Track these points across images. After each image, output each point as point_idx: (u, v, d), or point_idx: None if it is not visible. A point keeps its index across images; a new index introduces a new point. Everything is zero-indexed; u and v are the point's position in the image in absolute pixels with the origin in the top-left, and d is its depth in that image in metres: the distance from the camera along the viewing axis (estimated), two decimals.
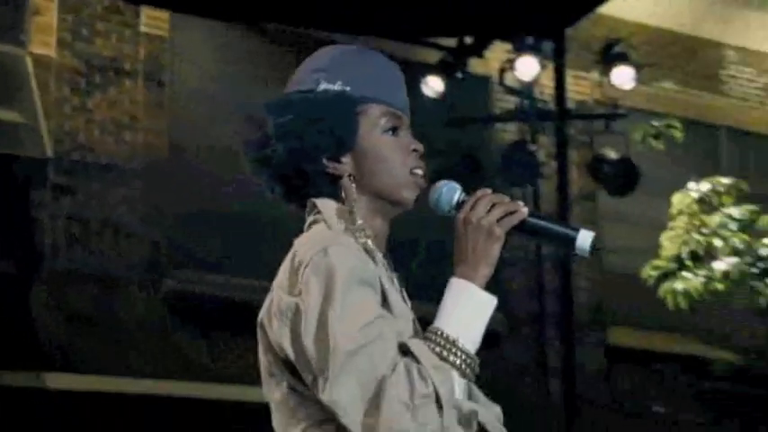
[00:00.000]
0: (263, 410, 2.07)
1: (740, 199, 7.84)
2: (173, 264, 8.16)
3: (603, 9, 8.52)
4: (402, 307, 2.01)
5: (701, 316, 8.17)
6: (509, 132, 8.97)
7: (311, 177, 2.04)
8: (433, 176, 2.14)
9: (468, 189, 2.08)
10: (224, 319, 7.86)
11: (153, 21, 8.36)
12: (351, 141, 2.04)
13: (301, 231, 2.07)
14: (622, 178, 8.23)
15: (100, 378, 7.56)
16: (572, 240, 2.02)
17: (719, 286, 7.57)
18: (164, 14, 8.25)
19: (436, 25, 8.23)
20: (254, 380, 2.08)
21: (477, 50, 8.51)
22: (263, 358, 2.02)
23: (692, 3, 10.48)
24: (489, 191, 2.02)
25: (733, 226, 7.72)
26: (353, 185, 2.05)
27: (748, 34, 10.72)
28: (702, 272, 7.59)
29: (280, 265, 2.01)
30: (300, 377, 1.93)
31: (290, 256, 1.99)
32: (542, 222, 2.03)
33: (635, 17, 9.72)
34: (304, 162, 2.02)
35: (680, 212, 7.92)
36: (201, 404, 7.71)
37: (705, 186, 7.86)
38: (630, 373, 9.39)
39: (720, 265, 7.58)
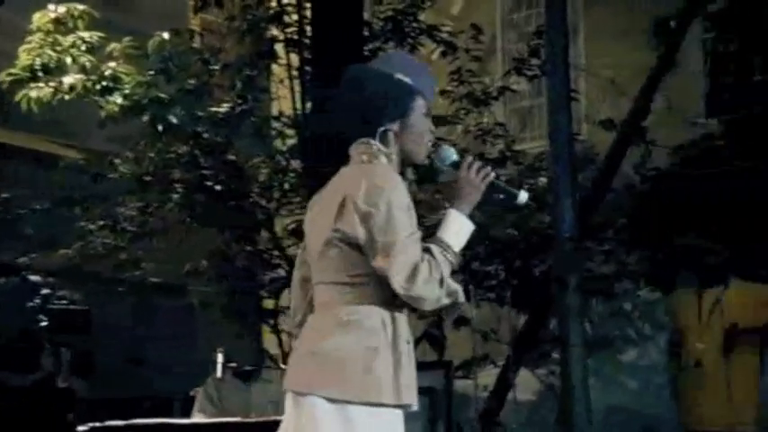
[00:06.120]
0: None
1: (92, 25, 9.03)
2: None
3: None
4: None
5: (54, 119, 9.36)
6: None
7: (375, 127, 3.22)
8: None
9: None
10: None
11: None
12: (405, 114, 3.25)
13: None
14: None
15: None
16: (515, 196, 3.28)
17: (66, 97, 8.81)
18: None
19: None
20: None
21: None
22: (326, 232, 3.15)
23: None
24: (476, 159, 3.29)
25: (83, 47, 8.94)
26: (395, 140, 3.24)
27: None
28: (53, 83, 8.78)
29: None
30: (355, 247, 3.10)
31: (358, 175, 3.14)
32: (501, 183, 3.30)
33: None
34: (376, 116, 3.23)
35: (38, 29, 8.98)
36: None
37: (62, 9, 8.96)
38: None
39: (69, 80, 8.80)
